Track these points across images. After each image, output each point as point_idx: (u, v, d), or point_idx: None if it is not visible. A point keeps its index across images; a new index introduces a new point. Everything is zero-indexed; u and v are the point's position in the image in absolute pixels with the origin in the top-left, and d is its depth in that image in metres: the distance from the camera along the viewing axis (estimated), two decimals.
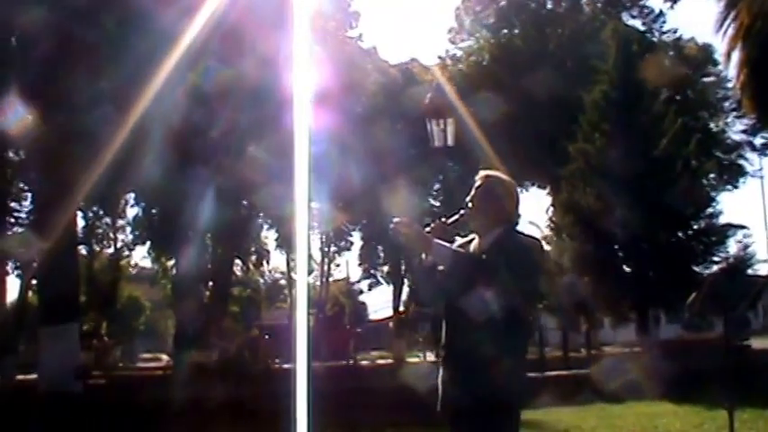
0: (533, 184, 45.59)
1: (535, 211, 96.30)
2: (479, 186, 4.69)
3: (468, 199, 4.69)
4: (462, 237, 4.82)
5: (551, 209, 40.30)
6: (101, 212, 43.89)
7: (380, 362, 46.01)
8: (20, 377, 26.39)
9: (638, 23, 44.41)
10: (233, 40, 21.93)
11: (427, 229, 4.47)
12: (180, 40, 18.10)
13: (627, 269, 28.67)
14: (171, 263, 39.90)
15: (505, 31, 44.40)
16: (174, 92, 20.09)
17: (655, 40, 43.88)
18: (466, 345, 4.16)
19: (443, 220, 4.67)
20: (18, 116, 22.79)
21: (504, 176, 4.85)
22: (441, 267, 4.36)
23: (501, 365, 4.12)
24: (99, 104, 19.19)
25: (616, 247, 28.58)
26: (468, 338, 4.13)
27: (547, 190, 43.56)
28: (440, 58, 46.29)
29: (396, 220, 4.33)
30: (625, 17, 43.52)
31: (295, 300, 52.60)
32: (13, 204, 35.33)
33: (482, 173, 4.82)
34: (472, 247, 4.60)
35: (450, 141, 20.65)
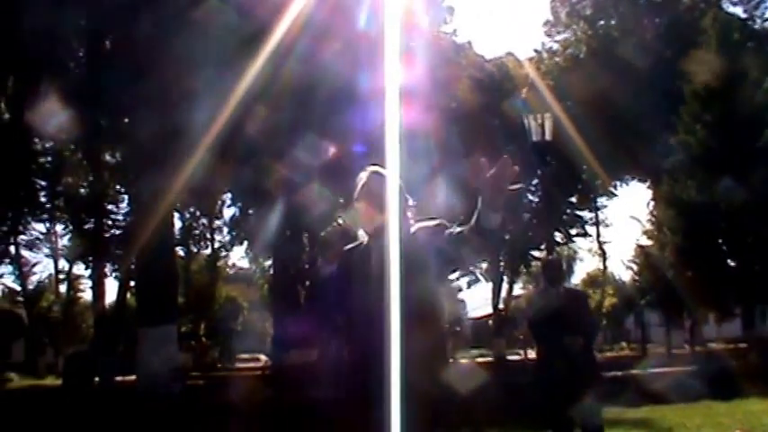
0: (633, 178, 44.82)
1: (635, 205, 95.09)
2: (366, 184, 4.25)
3: (355, 198, 4.26)
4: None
5: (652, 203, 39.62)
6: (197, 213, 44.42)
7: (480, 360, 45.76)
8: (119, 378, 26.77)
9: (738, 11, 43.29)
10: (324, 38, 21.93)
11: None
12: (271, 38, 18.15)
13: (731, 263, 27.97)
14: (268, 263, 40.16)
15: (602, 22, 43.70)
16: (266, 92, 20.16)
17: (756, 27, 42.69)
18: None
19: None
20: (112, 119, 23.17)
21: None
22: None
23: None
24: (193, 105, 19.31)
25: (720, 240, 27.89)
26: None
27: (647, 183, 42.78)
28: (536, 51, 45.83)
29: None
30: (725, 5, 42.46)
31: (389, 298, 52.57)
32: (110, 207, 36.01)
33: (369, 169, 4.32)
34: (370, 250, 4.21)
35: (547, 136, 20.35)
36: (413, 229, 4.14)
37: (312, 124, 23.73)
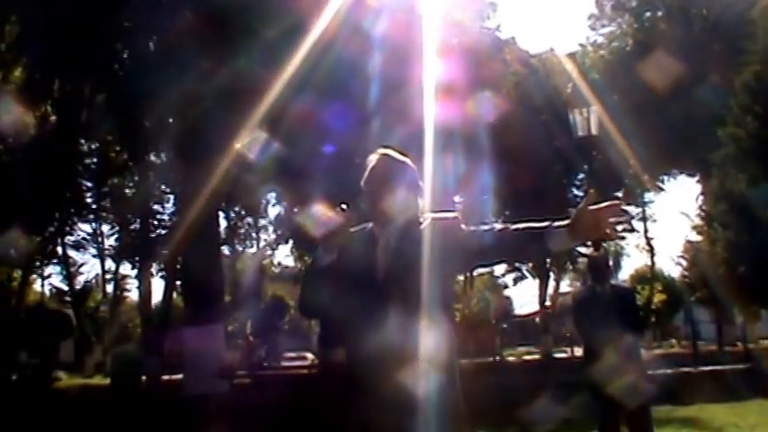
0: (681, 172, 44.27)
1: (684, 199, 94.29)
2: (375, 167, 3.99)
3: (363, 182, 3.98)
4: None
5: (701, 197, 39.09)
6: (242, 212, 44.48)
7: (527, 358, 45.46)
8: (165, 377, 26.85)
9: None
10: (363, 35, 21.86)
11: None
12: (310, 33, 18.07)
13: None
14: None
15: (648, 14, 43.18)
16: (304, 87, 20.07)
17: None
18: None
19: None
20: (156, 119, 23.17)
21: (401, 157, 4.08)
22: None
23: None
24: (235, 103, 19.30)
25: None
26: None
27: (696, 177, 42.22)
28: (581, 45, 45.43)
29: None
30: None
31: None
32: (155, 207, 36.15)
33: (379, 151, 4.04)
34: (376, 239, 3.96)
35: (593, 130, 20.07)
36: (426, 220, 3.89)
37: (355, 119, 23.62)
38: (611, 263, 8.43)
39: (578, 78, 35.07)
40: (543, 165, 36.03)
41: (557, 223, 3.56)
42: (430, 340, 3.60)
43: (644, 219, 46.72)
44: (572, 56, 41.21)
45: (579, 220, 3.44)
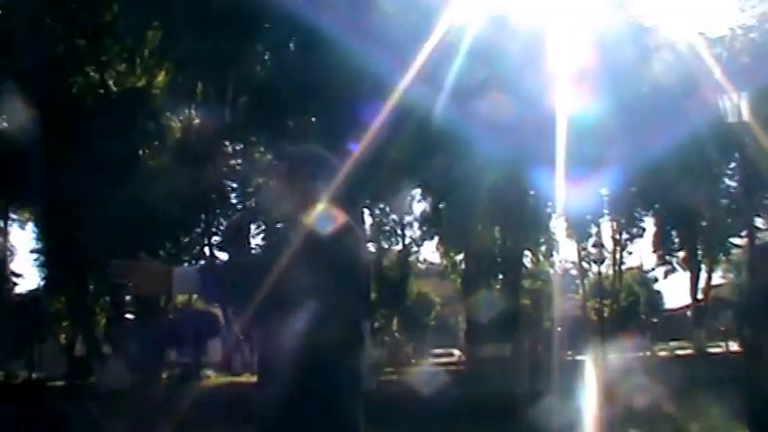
0: None
1: None
2: (276, 168, 3.86)
3: (268, 184, 3.78)
4: None
5: None
6: (387, 209, 44.51)
7: (679, 353, 44.41)
8: None
9: None
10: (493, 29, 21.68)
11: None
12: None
13: None
14: (459, 257, 39.89)
15: None
16: (433, 83, 19.96)
17: None
18: None
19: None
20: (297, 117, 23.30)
21: (309, 152, 3.93)
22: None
23: None
24: (371, 101, 19.29)
25: None
26: None
27: None
28: (730, 29, 43.95)
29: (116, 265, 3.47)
30: None
31: (585, 290, 51.65)
32: None
33: (280, 150, 3.75)
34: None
35: (745, 116, 19.35)
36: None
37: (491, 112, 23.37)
38: None
39: (728, 63, 34.02)
40: (692, 154, 35.03)
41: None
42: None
43: None
44: (721, 40, 40.01)
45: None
